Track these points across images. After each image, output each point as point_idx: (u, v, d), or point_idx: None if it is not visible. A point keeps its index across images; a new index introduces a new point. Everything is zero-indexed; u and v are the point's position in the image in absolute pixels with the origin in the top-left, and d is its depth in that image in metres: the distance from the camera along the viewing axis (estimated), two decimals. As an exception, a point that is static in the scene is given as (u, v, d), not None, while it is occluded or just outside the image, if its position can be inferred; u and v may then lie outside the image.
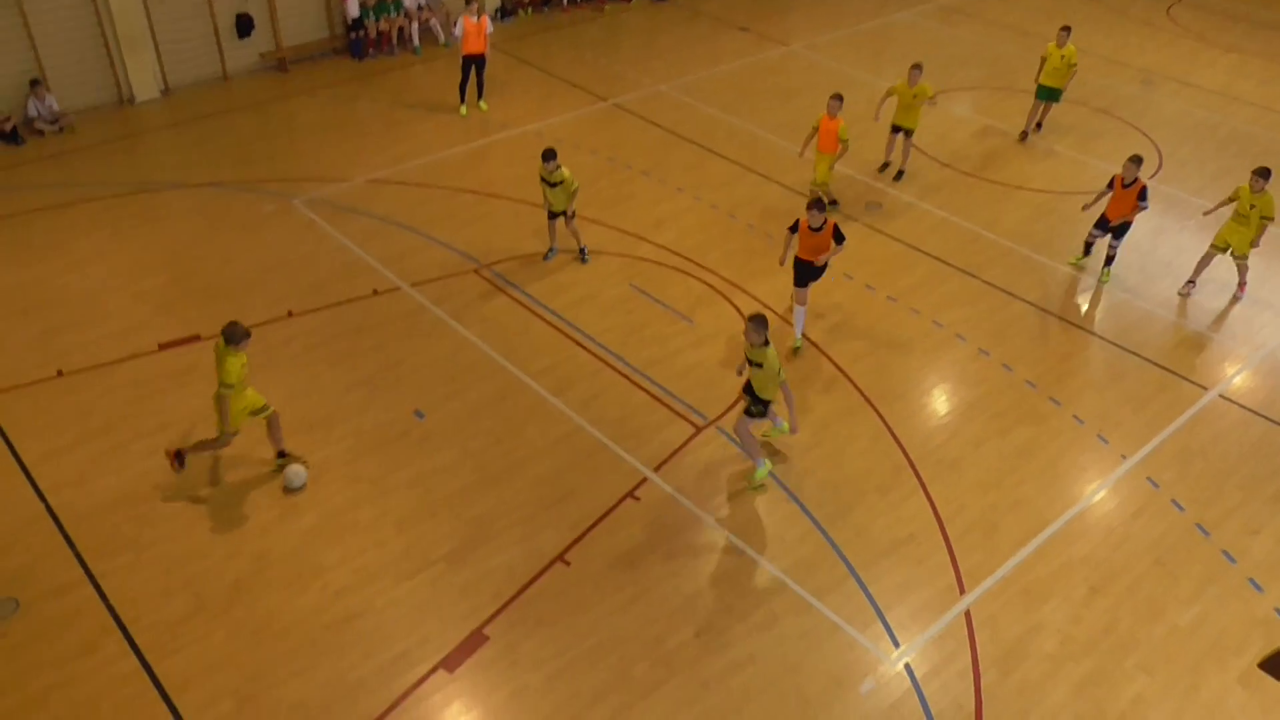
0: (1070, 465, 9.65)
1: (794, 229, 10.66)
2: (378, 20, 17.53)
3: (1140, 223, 13.66)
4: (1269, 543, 8.91)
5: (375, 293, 11.51)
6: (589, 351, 10.75)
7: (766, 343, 8.46)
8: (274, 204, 13.15)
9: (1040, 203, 14.00)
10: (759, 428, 9.40)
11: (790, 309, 11.30)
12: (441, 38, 18.21)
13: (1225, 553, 8.77)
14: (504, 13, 19.37)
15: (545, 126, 15.46)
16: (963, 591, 8.26)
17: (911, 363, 10.84)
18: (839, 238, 10.48)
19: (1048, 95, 15.30)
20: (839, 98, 12.46)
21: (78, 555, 8.15)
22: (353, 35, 17.47)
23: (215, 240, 12.40)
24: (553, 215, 11.89)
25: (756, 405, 8.92)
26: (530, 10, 19.76)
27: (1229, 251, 11.92)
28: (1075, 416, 10.22)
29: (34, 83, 14.57)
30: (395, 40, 17.88)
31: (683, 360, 10.66)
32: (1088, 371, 10.87)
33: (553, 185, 11.53)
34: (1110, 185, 11.99)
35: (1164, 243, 13.27)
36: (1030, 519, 9.01)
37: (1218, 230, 12.14)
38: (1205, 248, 12.24)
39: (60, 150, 14.47)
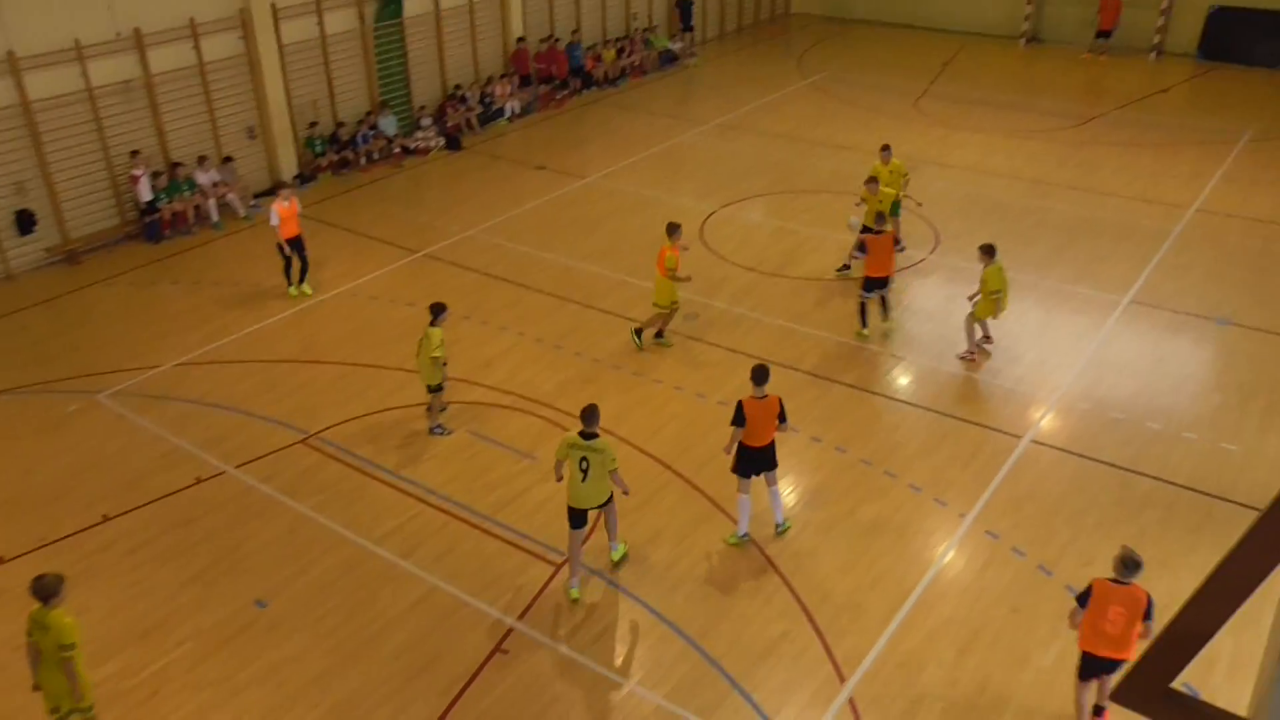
0: (917, 532, 10.05)
1: (739, 421, 9.28)
2: (171, 201, 17.10)
3: (934, 292, 14.79)
4: (1103, 569, 9.33)
5: (198, 480, 10.91)
6: (433, 507, 10.48)
7: (593, 435, 8.81)
8: (76, 402, 12.36)
9: (842, 289, 14.89)
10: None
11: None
12: (241, 211, 17.93)
13: (1069, 587, 9.25)
14: (302, 179, 19.31)
15: (359, 285, 15.34)
16: (843, 679, 8.35)
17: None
18: (783, 417, 9.38)
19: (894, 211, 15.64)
20: (674, 227, 13.02)
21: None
22: (147, 219, 16.95)
23: (13, 450, 11.49)
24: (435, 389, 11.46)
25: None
26: (330, 173, 19.80)
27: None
28: (911, 485, 10.71)
29: None
30: (192, 219, 17.46)
31: (531, 499, 10.55)
32: (914, 440, 11.46)
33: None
34: (862, 248, 13.18)
35: (957, 310, 14.34)
36: (892, 592, 9.28)
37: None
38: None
39: None
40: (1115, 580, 7.38)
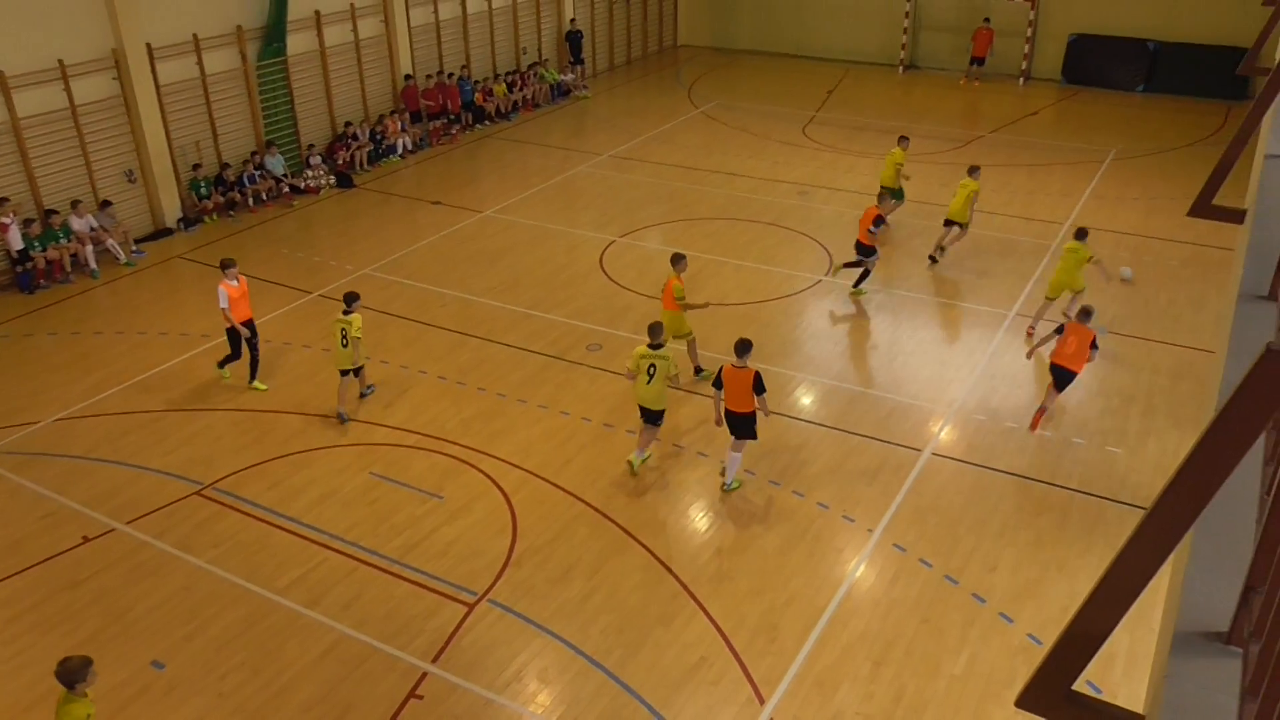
0: (827, 550, 10.21)
1: (717, 384, 10.72)
2: (44, 249, 16.32)
3: (829, 313, 15.17)
4: (1006, 575, 9.81)
5: (85, 539, 10.36)
6: (339, 552, 10.18)
7: (659, 346, 10.72)
8: (-56, 469, 11.63)
9: (742, 314, 15.13)
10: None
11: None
12: (122, 257, 17.22)
13: (975, 595, 9.55)
14: (187, 223, 18.68)
15: (250, 329, 14.85)
16: (762, 701, 8.39)
17: (663, 489, 11.15)
18: (760, 387, 10.46)
19: (897, 195, 17.83)
20: (678, 258, 12.99)
21: None
22: (19, 269, 16.13)
23: (-126, 524, 10.73)
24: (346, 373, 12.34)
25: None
26: (215, 216, 19.19)
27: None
28: (819, 503, 10.89)
29: None
30: (69, 267, 16.68)
31: (440, 538, 10.35)
32: (819, 459, 11.67)
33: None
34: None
35: (853, 331, 14.72)
36: (806, 611, 9.39)
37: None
38: (884, 332, 13.74)
39: None
40: (1077, 321, 11.66)
